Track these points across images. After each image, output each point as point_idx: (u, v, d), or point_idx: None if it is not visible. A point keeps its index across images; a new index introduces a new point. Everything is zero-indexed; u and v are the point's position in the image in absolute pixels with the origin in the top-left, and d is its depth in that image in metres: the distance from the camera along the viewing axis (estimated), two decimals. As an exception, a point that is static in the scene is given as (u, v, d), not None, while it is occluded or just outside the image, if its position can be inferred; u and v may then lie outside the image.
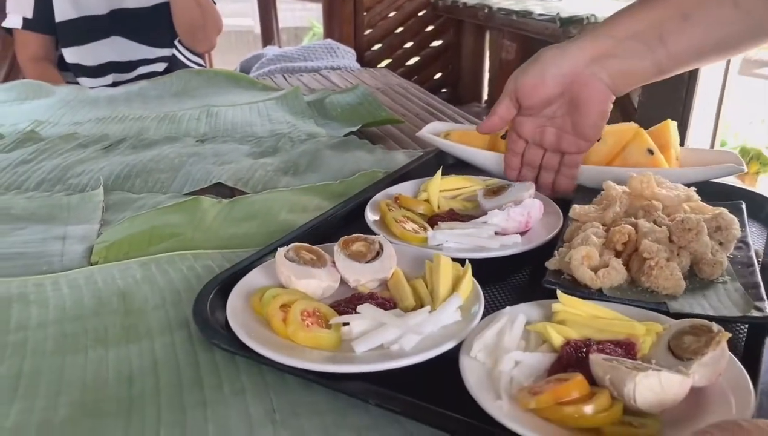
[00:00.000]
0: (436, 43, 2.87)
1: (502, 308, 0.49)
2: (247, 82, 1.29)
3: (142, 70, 1.68)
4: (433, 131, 0.81)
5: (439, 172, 0.69)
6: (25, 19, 1.59)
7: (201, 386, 0.44)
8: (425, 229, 0.62)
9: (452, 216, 0.65)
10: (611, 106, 0.63)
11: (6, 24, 1.63)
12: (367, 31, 2.65)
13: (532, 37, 2.21)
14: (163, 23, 1.61)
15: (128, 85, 1.30)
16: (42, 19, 1.58)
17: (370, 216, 0.65)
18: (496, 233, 0.60)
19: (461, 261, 0.53)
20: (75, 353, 0.48)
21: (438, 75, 2.90)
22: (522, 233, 0.61)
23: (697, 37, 0.58)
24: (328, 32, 2.56)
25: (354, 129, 1.00)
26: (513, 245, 0.59)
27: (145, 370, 0.46)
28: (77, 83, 1.60)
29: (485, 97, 2.86)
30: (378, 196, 0.69)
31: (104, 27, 1.60)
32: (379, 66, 2.58)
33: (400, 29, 2.75)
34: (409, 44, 2.80)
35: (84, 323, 0.51)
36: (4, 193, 0.77)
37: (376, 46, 2.72)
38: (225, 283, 0.54)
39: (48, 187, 0.79)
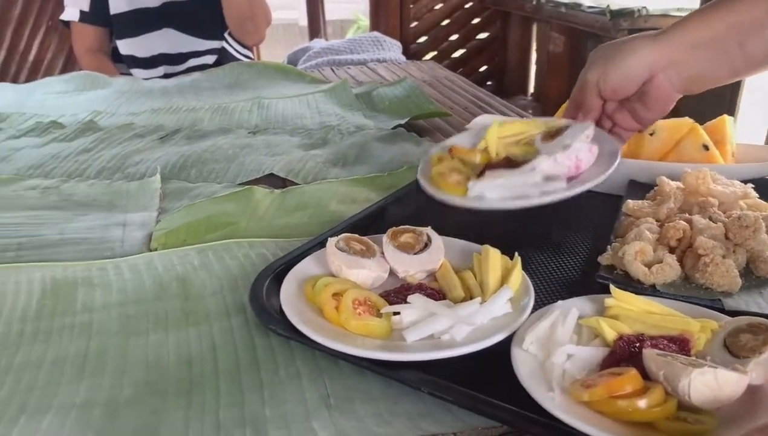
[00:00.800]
0: (482, 35, 2.85)
1: (551, 301, 0.49)
2: (296, 75, 1.31)
3: (193, 62, 1.71)
4: (483, 124, 0.80)
5: (498, 118, 0.65)
6: (82, 12, 1.64)
7: (258, 369, 0.46)
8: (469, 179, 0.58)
9: (507, 163, 0.59)
10: (675, 101, 0.63)
11: (64, 17, 1.68)
12: (413, 24, 2.64)
13: (580, 30, 2.18)
14: (214, 16, 1.64)
15: (181, 76, 1.33)
16: (98, 12, 1.63)
17: (421, 171, 0.62)
18: (546, 180, 0.56)
19: (510, 254, 0.53)
20: (137, 335, 0.50)
21: (483, 67, 2.89)
22: (573, 178, 0.57)
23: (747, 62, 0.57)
24: (374, 25, 2.57)
25: (402, 122, 1.01)
26: (554, 191, 0.54)
27: (204, 353, 0.48)
28: (130, 74, 1.65)
29: (531, 89, 2.84)
30: (434, 150, 0.65)
31: (156, 19, 1.64)
32: (424, 58, 2.58)
33: (446, 21, 2.74)
34: (454, 36, 2.78)
35: (145, 306, 0.54)
36: (67, 181, 0.80)
37: (422, 39, 2.71)
38: (279, 271, 0.55)
39: (108, 175, 0.82)
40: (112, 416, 0.41)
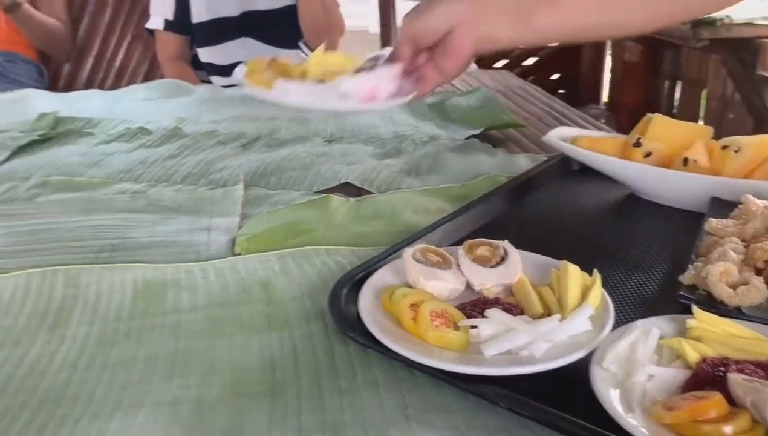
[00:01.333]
0: (555, 42, 2.81)
1: (629, 320, 0.49)
2: (370, 84, 1.33)
3: (269, 70, 1.77)
4: (560, 136, 0.80)
5: (323, 45, 0.72)
6: (166, 21, 1.72)
7: (337, 376, 0.47)
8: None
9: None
10: (473, 58, 0.69)
11: (149, 25, 1.76)
12: (485, 32, 2.63)
13: (658, 39, 2.12)
14: (290, 25, 1.68)
15: (259, 85, 1.37)
16: (181, 21, 1.70)
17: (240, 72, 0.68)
18: (345, 96, 0.63)
19: (587, 271, 0.53)
20: (222, 337, 0.52)
21: (555, 76, 2.85)
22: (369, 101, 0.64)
23: (560, 22, 0.65)
24: (446, 32, 2.57)
25: (476, 132, 1.01)
26: (346, 104, 0.63)
27: (286, 357, 0.50)
28: (209, 81, 1.71)
29: (604, 99, 2.78)
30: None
31: (235, 29, 1.70)
32: (495, 66, 2.56)
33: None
34: (526, 44, 2.76)
35: (230, 309, 0.56)
36: (155, 185, 0.84)
37: (493, 47, 2.70)
38: (357, 279, 0.56)
39: (193, 180, 0.86)
40: (200, 415, 0.44)
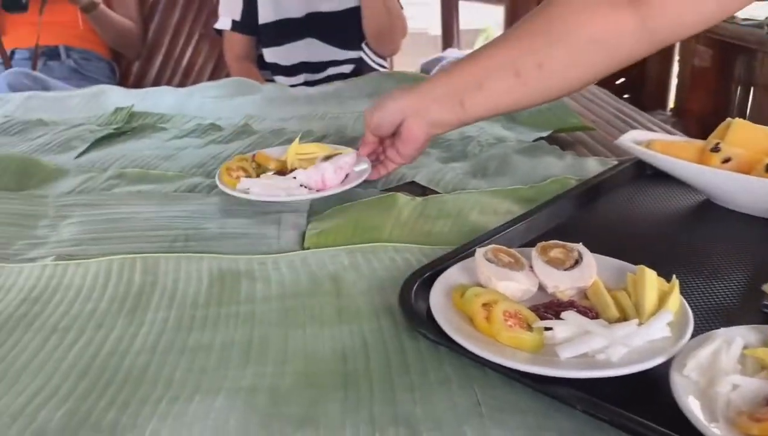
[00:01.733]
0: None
1: (708, 328, 0.47)
2: (434, 85, 1.33)
3: (332, 71, 1.79)
4: (633, 140, 0.78)
5: (298, 137, 0.87)
6: (233, 22, 1.76)
7: (408, 371, 0.47)
8: (248, 177, 0.78)
9: (286, 173, 0.79)
10: (428, 142, 0.78)
11: (217, 25, 1.80)
12: (549, 35, 2.59)
13: (731, 43, 2.05)
14: (354, 26, 1.70)
15: (324, 85, 1.39)
16: (248, 22, 1.74)
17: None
18: (300, 186, 0.76)
19: (663, 276, 0.52)
20: (295, 328, 0.53)
21: (621, 80, 2.78)
22: (320, 190, 0.76)
23: (489, 103, 0.72)
24: (508, 35, 2.55)
25: (543, 134, 1.00)
26: (296, 195, 0.75)
27: (357, 350, 0.50)
28: (274, 81, 1.74)
29: (671, 104, 2.70)
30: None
31: (300, 29, 1.72)
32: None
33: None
34: (591, 48, 2.70)
35: (302, 300, 0.57)
36: (226, 180, 0.86)
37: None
38: (426, 276, 0.57)
39: (262, 176, 0.87)
40: (275, 402, 0.45)
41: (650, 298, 0.50)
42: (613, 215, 0.73)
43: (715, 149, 0.71)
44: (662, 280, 0.52)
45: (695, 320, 0.50)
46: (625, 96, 2.78)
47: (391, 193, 0.79)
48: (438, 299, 0.52)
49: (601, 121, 1.10)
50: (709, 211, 0.73)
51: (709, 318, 0.53)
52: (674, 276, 0.51)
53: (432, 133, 0.76)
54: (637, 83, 2.79)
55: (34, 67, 1.90)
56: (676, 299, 0.50)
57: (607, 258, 0.58)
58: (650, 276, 0.51)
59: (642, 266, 0.52)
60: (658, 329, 0.46)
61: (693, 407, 0.40)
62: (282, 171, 0.82)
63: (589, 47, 0.68)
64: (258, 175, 0.80)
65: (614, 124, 1.08)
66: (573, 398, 0.42)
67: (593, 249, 0.57)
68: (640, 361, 0.44)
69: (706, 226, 0.71)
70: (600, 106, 1.20)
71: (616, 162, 0.86)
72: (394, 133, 0.78)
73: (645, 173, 0.78)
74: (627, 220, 0.72)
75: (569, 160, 0.90)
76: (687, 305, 0.50)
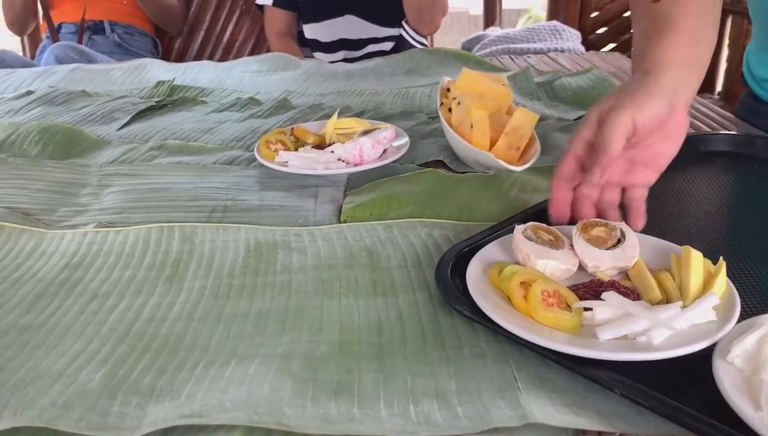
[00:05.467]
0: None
1: (754, 313, 0.46)
2: (476, 62, 1.31)
3: (371, 48, 1.77)
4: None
5: (336, 112, 0.86)
6: (275, -3, 1.76)
7: (443, 344, 0.47)
8: (287, 150, 0.79)
9: (324, 147, 0.80)
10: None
11: (259, 1, 1.81)
12: (594, 14, 2.53)
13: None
14: (394, 4, 1.68)
15: (363, 61, 1.38)
16: None
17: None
18: (338, 160, 0.77)
19: (711, 259, 0.50)
20: (330, 298, 0.53)
21: (667, 62, 2.70)
22: (358, 164, 0.77)
23: (710, 42, 0.62)
24: (553, 13, 2.50)
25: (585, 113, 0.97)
26: (334, 169, 0.75)
27: (392, 321, 0.50)
28: (313, 57, 1.74)
29: (719, 88, 2.61)
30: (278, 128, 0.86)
31: (340, 6, 1.71)
32: (602, 50, 2.46)
33: (629, 12, 2.59)
34: (637, 28, 2.63)
35: (337, 272, 0.57)
36: (264, 153, 0.87)
37: (601, 30, 2.59)
38: (463, 252, 0.56)
39: (300, 150, 0.87)
40: (310, 369, 0.45)
41: (695, 280, 0.48)
42: (658, 194, 0.70)
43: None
44: (708, 262, 0.50)
45: (742, 305, 0.48)
46: (672, 78, 2.70)
47: (428, 168, 0.79)
48: (475, 276, 0.51)
49: (646, 101, 1.07)
50: (755, 191, 0.71)
51: (756, 303, 0.51)
52: (721, 258, 0.49)
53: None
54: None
55: (80, 41, 1.94)
56: (722, 282, 0.48)
57: (650, 238, 0.56)
58: (696, 257, 0.49)
59: (687, 247, 0.51)
60: (703, 312, 0.45)
61: (736, 394, 0.39)
62: (320, 145, 0.82)
63: None
64: (296, 149, 0.80)
65: (660, 105, 1.05)
66: (611, 381, 0.41)
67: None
68: (683, 345, 0.43)
69: (751, 207, 0.68)
70: (646, 85, 1.17)
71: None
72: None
73: (697, 152, 0.76)
74: (673, 199, 0.70)
75: (612, 140, 0.87)
76: (734, 288, 0.48)
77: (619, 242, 0.54)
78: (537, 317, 0.46)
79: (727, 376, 0.40)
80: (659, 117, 0.57)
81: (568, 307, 0.47)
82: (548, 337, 0.44)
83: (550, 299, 0.47)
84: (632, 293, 0.49)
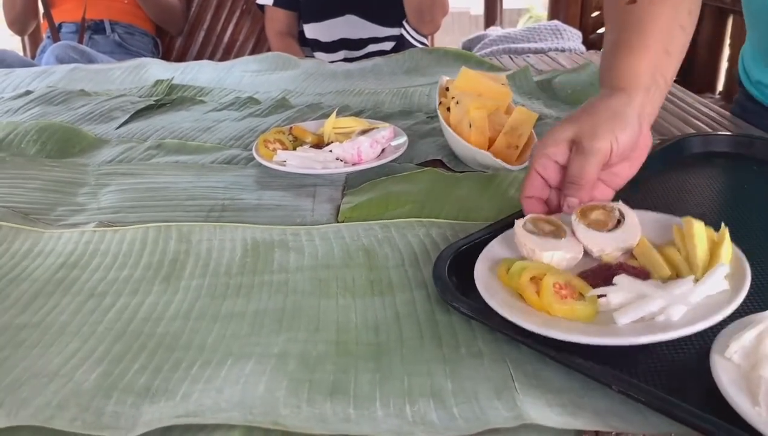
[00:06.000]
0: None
1: (756, 310, 0.46)
2: (475, 62, 1.31)
3: (372, 48, 1.77)
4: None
5: (335, 111, 0.86)
6: (275, -3, 1.76)
7: (440, 344, 0.47)
8: (285, 150, 0.78)
9: (322, 147, 0.80)
10: None
11: (260, 1, 1.81)
12: (595, 13, 2.53)
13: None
14: (394, 3, 1.68)
15: (363, 61, 1.38)
16: None
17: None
18: (336, 159, 0.76)
19: (716, 226, 0.50)
20: (327, 298, 0.53)
21: (667, 62, 2.70)
22: (356, 164, 0.76)
23: (675, 65, 0.65)
24: (553, 13, 2.50)
25: (585, 112, 0.97)
26: (332, 168, 0.75)
27: (389, 321, 0.50)
28: (314, 57, 1.73)
29: (720, 88, 2.61)
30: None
31: (341, 6, 1.71)
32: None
33: (628, 12, 2.59)
34: (638, 28, 2.62)
35: (334, 271, 0.57)
36: (262, 152, 0.86)
37: (602, 29, 2.59)
38: (462, 250, 0.56)
39: (298, 149, 0.87)
40: (306, 369, 0.44)
41: (701, 251, 0.48)
42: (655, 191, 0.70)
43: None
44: (711, 230, 0.50)
45: (740, 304, 0.48)
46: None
47: (427, 168, 0.78)
48: (483, 276, 0.51)
49: (646, 100, 1.07)
50: (755, 192, 0.71)
51: (755, 302, 0.51)
52: (723, 224, 0.49)
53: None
54: (685, 66, 2.71)
55: (80, 41, 1.94)
56: (728, 249, 0.48)
57: (649, 213, 0.56)
58: (698, 228, 0.49)
59: (689, 218, 0.50)
60: (716, 283, 0.45)
61: (734, 390, 0.38)
62: (318, 144, 0.81)
63: None
64: (294, 148, 0.80)
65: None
66: (611, 378, 0.41)
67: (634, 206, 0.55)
68: (703, 318, 0.42)
69: (750, 207, 0.68)
70: (646, 85, 1.16)
71: (657, 140, 0.83)
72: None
73: (690, 152, 0.75)
74: (671, 200, 0.70)
75: (611, 139, 0.87)
76: (741, 252, 0.48)
77: (619, 222, 0.54)
78: (552, 310, 0.46)
79: (725, 372, 0.40)
80: (632, 141, 0.58)
81: (581, 296, 0.47)
82: (566, 330, 0.44)
83: (562, 290, 0.47)
84: (642, 273, 0.49)
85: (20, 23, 2.06)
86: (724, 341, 0.42)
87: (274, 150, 0.78)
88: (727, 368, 0.40)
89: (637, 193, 0.70)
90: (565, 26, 2.06)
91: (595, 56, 1.39)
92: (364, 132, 0.80)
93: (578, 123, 0.59)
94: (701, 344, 0.44)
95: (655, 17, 0.63)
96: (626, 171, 0.61)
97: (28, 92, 1.15)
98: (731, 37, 2.53)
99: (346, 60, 1.60)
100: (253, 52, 2.17)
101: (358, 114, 0.99)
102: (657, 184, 0.73)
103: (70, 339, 0.49)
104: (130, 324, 0.51)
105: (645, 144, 0.61)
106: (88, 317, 0.51)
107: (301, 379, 0.43)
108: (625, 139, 0.57)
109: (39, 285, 0.56)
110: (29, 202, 0.72)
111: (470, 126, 0.77)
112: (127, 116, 1.02)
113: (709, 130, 0.92)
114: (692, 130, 0.91)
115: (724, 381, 0.39)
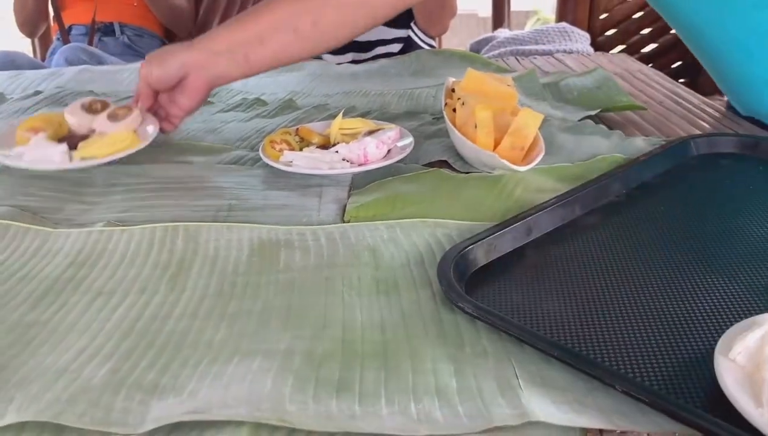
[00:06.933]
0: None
1: (757, 312, 0.46)
2: (482, 63, 1.31)
3: (380, 49, 1.77)
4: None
5: (341, 112, 0.86)
6: None
7: (445, 342, 0.47)
8: (292, 150, 0.79)
9: (329, 147, 0.80)
10: (209, 94, 0.83)
11: (267, 3, 1.81)
12: (603, 16, 2.52)
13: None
14: (403, 5, 1.68)
15: (369, 63, 1.38)
16: None
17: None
18: (342, 160, 0.77)
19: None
20: (333, 296, 0.53)
21: (677, 64, 2.69)
22: (362, 164, 0.77)
23: (271, 57, 0.79)
24: (562, 15, 2.49)
25: (592, 113, 0.97)
26: (338, 169, 0.75)
27: (394, 319, 0.50)
28: (321, 59, 1.74)
29: (727, 90, 2.60)
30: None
31: None
32: (611, 52, 2.45)
33: (639, 14, 2.58)
34: (646, 30, 2.62)
35: (340, 270, 0.57)
36: (269, 154, 0.87)
37: (610, 32, 2.59)
38: (467, 251, 0.56)
39: (305, 150, 0.87)
40: (312, 366, 0.45)
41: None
42: (663, 193, 0.70)
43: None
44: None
45: (743, 304, 0.48)
46: (681, 80, 2.69)
47: (433, 168, 0.79)
48: None
49: (652, 101, 1.07)
50: (759, 192, 0.71)
51: (757, 303, 0.51)
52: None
53: (214, 85, 0.81)
54: (694, 68, 2.70)
55: (90, 43, 1.95)
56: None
57: None
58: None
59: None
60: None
61: (738, 391, 0.39)
62: (325, 145, 0.82)
63: (356, 8, 0.79)
64: (301, 149, 0.80)
65: (666, 105, 1.04)
66: (614, 378, 0.41)
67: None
68: None
69: (754, 208, 0.68)
70: (651, 87, 1.17)
71: (664, 141, 0.84)
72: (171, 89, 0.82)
73: (700, 153, 0.76)
74: (674, 201, 0.70)
75: (615, 140, 0.87)
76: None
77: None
78: None
79: (729, 373, 0.40)
80: (170, 75, 0.80)
81: None
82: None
83: None
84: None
85: (31, 25, 2.07)
86: (727, 342, 0.42)
87: (281, 151, 0.79)
88: (730, 369, 0.40)
89: (642, 194, 0.71)
90: (573, 28, 2.06)
91: (601, 58, 1.39)
92: (370, 133, 0.80)
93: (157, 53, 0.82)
94: (705, 345, 0.45)
95: (272, 11, 0.78)
96: (180, 102, 0.82)
97: (37, 92, 1.16)
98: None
99: (354, 61, 1.61)
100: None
101: (364, 115, 1.00)
102: (662, 184, 0.73)
103: (78, 337, 0.49)
104: (138, 322, 0.51)
105: (194, 87, 0.80)
106: (96, 315, 0.52)
107: (307, 376, 0.44)
108: (157, 71, 0.80)
109: (48, 283, 0.57)
110: (39, 202, 0.73)
111: (476, 127, 0.77)
112: (135, 117, 1.02)
113: (714, 130, 0.92)
114: (697, 131, 0.91)
115: (727, 382, 0.39)
